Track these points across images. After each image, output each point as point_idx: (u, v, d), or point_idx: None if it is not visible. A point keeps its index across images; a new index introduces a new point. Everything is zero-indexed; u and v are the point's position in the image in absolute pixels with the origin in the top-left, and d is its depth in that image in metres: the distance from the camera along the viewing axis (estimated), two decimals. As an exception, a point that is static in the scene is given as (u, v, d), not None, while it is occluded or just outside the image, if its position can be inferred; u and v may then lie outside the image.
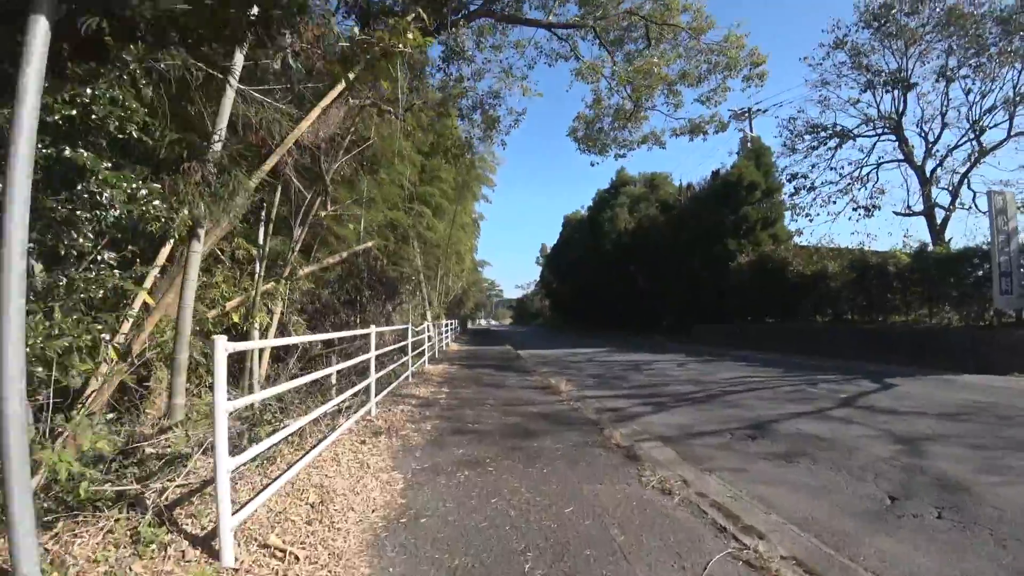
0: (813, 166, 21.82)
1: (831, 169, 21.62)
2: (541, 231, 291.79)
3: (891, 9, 17.95)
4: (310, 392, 5.80)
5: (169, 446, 3.26)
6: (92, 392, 3.85)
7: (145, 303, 4.30)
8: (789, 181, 22.27)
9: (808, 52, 36.29)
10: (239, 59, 3.84)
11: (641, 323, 29.73)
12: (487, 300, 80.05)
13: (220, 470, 2.27)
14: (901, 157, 20.51)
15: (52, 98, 2.58)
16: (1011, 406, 6.26)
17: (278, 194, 6.44)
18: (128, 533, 2.37)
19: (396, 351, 8.61)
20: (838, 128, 21.30)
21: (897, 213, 20.67)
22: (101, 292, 2.87)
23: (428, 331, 11.93)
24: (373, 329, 5.97)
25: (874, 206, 20.63)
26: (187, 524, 2.56)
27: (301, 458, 3.46)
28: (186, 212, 3.55)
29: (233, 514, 2.38)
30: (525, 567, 2.35)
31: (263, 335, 6.37)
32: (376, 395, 5.78)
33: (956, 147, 19.32)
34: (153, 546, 2.30)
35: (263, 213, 6.48)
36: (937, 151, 19.63)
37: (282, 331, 6.97)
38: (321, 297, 8.62)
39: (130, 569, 2.14)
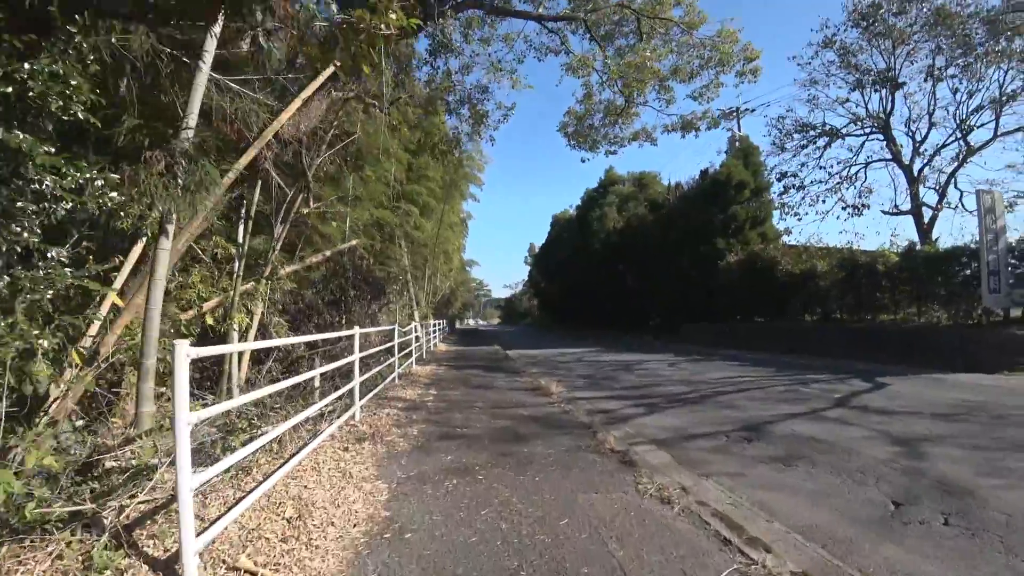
0: (802, 165, 21.84)
1: (820, 168, 21.69)
2: (530, 231, 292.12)
3: (879, 9, 18.05)
4: (291, 396, 5.57)
5: (134, 459, 3.02)
6: (55, 400, 3.60)
7: (114, 304, 4.06)
8: (778, 180, 22.31)
9: (797, 51, 36.57)
10: (211, 42, 3.60)
11: (630, 322, 29.65)
12: (475, 300, 79.84)
13: (182, 488, 2.06)
14: (889, 156, 20.64)
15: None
16: (1003, 405, 6.24)
17: (258, 190, 6.19)
18: (80, 558, 2.15)
19: (382, 352, 8.40)
20: (827, 127, 21.40)
21: (885, 212, 20.82)
22: (51, 292, 2.62)
23: (415, 331, 11.70)
24: (357, 330, 5.75)
25: (863, 205, 20.75)
26: (148, 546, 2.34)
27: (279, 468, 3.26)
28: (148, 205, 3.30)
29: (199, 534, 2.18)
30: (518, 588, 2.18)
31: (243, 337, 6.12)
32: (361, 398, 5.58)
33: (943, 146, 19.50)
34: (108, 572, 2.09)
35: (243, 210, 6.22)
36: (925, 150, 19.79)
37: (263, 333, 6.71)
38: (304, 297, 8.35)
39: (80, 599, 1.93)
